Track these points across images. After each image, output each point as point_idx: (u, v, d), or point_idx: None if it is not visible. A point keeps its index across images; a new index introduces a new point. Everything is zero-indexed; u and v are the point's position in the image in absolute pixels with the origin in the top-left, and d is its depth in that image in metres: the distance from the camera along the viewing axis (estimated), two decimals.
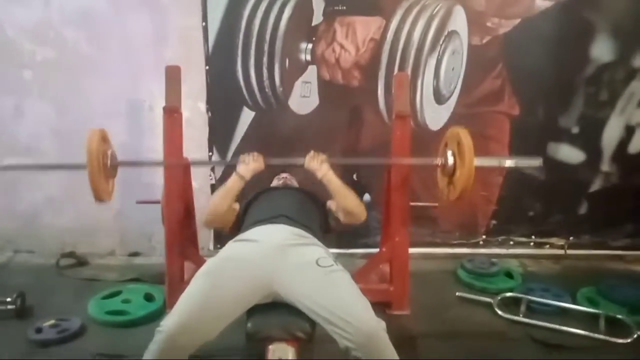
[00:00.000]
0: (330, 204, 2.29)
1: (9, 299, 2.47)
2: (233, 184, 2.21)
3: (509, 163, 2.56)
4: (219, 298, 1.71)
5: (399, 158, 2.55)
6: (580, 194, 3.29)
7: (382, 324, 1.64)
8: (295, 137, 3.08)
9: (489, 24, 2.99)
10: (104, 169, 2.13)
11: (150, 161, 2.55)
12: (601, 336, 2.39)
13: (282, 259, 1.85)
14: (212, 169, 3.13)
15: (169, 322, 1.60)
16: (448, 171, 2.23)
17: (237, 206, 2.26)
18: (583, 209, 3.31)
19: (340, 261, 1.89)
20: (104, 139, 2.17)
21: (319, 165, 2.23)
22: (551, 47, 3.04)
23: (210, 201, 2.26)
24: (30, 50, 2.94)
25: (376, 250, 2.95)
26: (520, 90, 3.08)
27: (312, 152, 2.28)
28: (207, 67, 2.98)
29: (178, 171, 2.53)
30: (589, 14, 3.01)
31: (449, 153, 2.21)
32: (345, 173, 2.72)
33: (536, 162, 2.36)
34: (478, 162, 2.10)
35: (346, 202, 2.19)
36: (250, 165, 2.24)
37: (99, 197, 2.11)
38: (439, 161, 2.27)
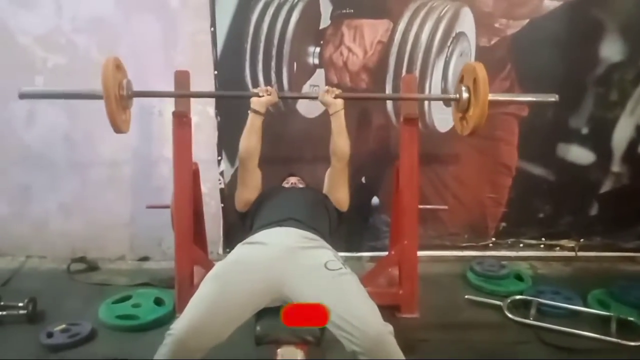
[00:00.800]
0: (327, 192, 2.38)
1: (20, 304, 2.50)
2: (251, 121, 2.28)
3: (523, 98, 2.53)
4: (228, 301, 1.71)
5: (410, 93, 2.57)
6: (590, 195, 3.26)
7: (389, 328, 1.63)
8: (303, 141, 3.08)
9: (497, 25, 2.98)
10: (120, 99, 2.09)
11: (163, 92, 2.59)
12: (613, 339, 2.37)
13: (290, 261, 1.85)
14: (221, 174, 3.14)
15: (178, 326, 1.61)
16: (462, 106, 2.22)
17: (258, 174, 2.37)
18: (593, 211, 3.28)
19: (349, 264, 1.89)
20: (119, 67, 2.12)
21: (332, 99, 2.29)
22: (560, 47, 3.02)
23: (240, 145, 2.30)
24: (41, 57, 2.97)
25: (385, 253, 2.97)
26: (529, 91, 3.04)
27: (326, 86, 2.31)
28: (216, 72, 2.99)
29: (188, 176, 2.55)
30: (598, 14, 2.99)
31: (464, 89, 2.21)
32: (353, 176, 2.72)
33: (552, 97, 2.32)
34: (492, 97, 2.10)
35: (343, 143, 2.29)
36: (263, 98, 2.29)
37: (118, 128, 2.07)
38: (454, 96, 2.28)
